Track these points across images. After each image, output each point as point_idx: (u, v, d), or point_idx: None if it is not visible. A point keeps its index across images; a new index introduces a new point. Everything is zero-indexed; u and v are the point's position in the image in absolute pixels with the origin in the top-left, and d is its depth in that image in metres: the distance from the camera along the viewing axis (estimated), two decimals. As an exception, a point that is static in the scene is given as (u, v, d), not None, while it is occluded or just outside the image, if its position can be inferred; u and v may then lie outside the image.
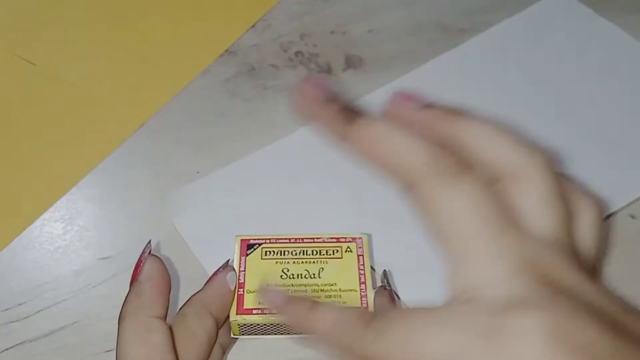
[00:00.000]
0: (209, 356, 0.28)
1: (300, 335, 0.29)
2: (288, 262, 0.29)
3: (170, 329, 0.27)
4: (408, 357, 0.20)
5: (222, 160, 0.39)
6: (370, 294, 0.28)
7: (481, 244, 0.21)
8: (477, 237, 0.21)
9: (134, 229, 0.36)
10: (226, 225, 0.36)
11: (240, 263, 0.29)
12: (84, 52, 0.44)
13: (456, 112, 0.24)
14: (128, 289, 0.27)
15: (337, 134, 0.24)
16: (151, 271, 0.27)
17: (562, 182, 0.23)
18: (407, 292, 0.34)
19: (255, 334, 0.29)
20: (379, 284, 0.30)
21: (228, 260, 0.30)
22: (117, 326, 0.33)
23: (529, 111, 0.42)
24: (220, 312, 0.28)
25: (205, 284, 0.29)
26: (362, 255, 0.30)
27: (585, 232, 0.23)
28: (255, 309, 0.28)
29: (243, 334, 0.29)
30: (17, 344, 0.32)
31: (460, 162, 0.22)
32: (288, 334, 0.29)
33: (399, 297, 0.34)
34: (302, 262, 0.29)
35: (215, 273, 0.29)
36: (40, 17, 0.46)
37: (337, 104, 0.23)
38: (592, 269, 0.23)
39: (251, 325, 0.28)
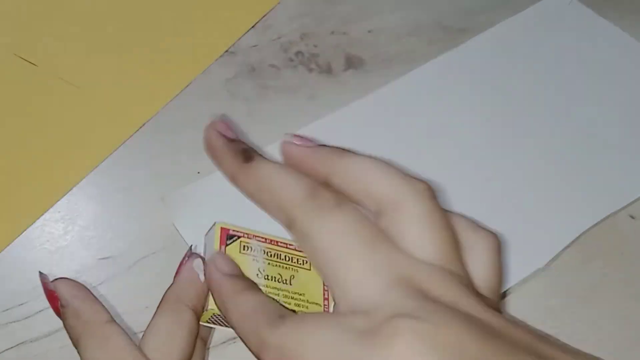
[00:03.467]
0: (193, 348, 0.28)
1: None
2: (264, 262, 0.29)
3: (151, 328, 0.27)
4: (294, 352, 0.21)
5: (222, 160, 0.39)
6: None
7: (355, 264, 0.22)
8: (351, 257, 0.22)
9: (135, 229, 0.36)
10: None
11: (220, 251, 0.29)
12: (84, 53, 0.44)
13: (343, 151, 0.25)
14: (61, 321, 0.28)
15: (230, 173, 0.26)
16: (70, 290, 0.28)
17: (446, 213, 0.24)
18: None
19: (222, 325, 0.28)
20: None
21: (191, 247, 0.30)
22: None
23: (529, 111, 0.42)
24: (196, 301, 0.28)
25: (174, 277, 0.29)
26: None
27: (479, 265, 0.24)
28: None
29: (210, 323, 0.28)
30: (18, 344, 0.32)
31: (336, 197, 0.23)
32: None
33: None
34: (276, 266, 0.29)
35: (180, 264, 0.29)
36: (40, 18, 0.46)
37: (237, 145, 0.26)
38: (492, 300, 0.24)
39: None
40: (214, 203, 0.37)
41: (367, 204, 0.24)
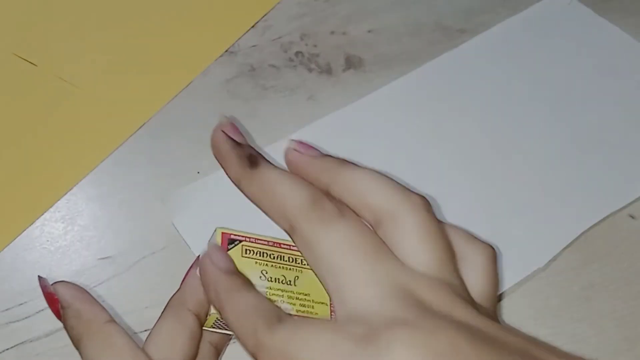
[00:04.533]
0: (195, 353, 0.28)
1: None
2: (267, 265, 0.29)
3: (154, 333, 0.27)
4: (292, 356, 0.22)
5: (222, 160, 0.39)
6: None
7: (355, 274, 0.23)
8: (352, 267, 0.23)
9: (135, 229, 0.37)
10: (226, 225, 0.36)
11: (215, 245, 0.29)
12: (84, 52, 0.44)
13: (343, 162, 0.26)
14: (61, 323, 0.28)
15: (235, 176, 0.26)
16: (70, 292, 0.28)
17: (441, 225, 0.25)
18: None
19: (226, 330, 0.28)
20: None
21: (199, 256, 0.29)
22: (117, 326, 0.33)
23: (528, 111, 0.42)
24: (198, 305, 0.28)
25: (181, 284, 0.29)
26: None
27: (475, 275, 0.25)
28: None
29: (215, 327, 0.28)
30: (18, 344, 0.32)
31: (338, 208, 0.24)
32: None
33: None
34: (280, 267, 0.29)
35: (187, 271, 0.29)
36: (40, 18, 0.46)
37: (244, 150, 0.26)
38: (488, 308, 0.24)
39: None
40: (214, 203, 0.37)
41: (365, 215, 0.25)
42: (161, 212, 0.37)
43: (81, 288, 0.28)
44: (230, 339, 0.32)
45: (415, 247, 0.23)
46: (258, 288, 0.28)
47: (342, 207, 0.24)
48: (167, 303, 0.28)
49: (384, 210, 0.24)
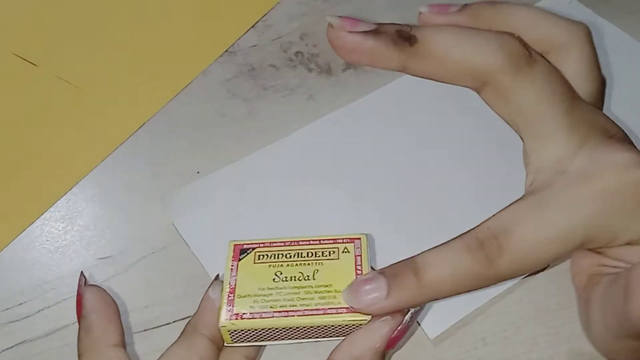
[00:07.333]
0: None
1: (296, 340, 0.28)
2: (282, 265, 0.29)
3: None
4: (532, 255, 0.23)
5: (222, 160, 0.39)
6: None
7: (557, 121, 0.24)
8: (554, 115, 0.24)
9: (135, 229, 0.37)
10: (226, 225, 0.36)
11: (232, 268, 0.28)
12: (84, 52, 0.44)
13: (494, 5, 0.25)
14: (78, 324, 0.27)
15: (399, 65, 0.24)
16: (94, 302, 0.27)
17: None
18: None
19: (249, 341, 0.28)
20: None
21: (217, 275, 0.29)
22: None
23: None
24: (213, 328, 0.27)
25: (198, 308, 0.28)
26: (360, 255, 0.29)
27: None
28: (245, 313, 0.27)
29: (235, 342, 0.28)
30: (18, 344, 0.32)
31: (530, 51, 0.24)
32: (284, 339, 0.28)
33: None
34: (296, 265, 0.29)
35: (204, 295, 0.28)
36: (40, 17, 0.46)
37: (388, 33, 0.23)
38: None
39: (242, 330, 0.27)
40: (214, 203, 0.37)
41: (535, 46, 0.25)
42: (161, 212, 0.37)
43: (108, 301, 0.27)
44: (261, 350, 0.31)
45: (585, 76, 0.25)
46: (273, 290, 0.28)
47: (528, 46, 0.24)
48: (183, 329, 0.27)
49: (554, 41, 0.25)
